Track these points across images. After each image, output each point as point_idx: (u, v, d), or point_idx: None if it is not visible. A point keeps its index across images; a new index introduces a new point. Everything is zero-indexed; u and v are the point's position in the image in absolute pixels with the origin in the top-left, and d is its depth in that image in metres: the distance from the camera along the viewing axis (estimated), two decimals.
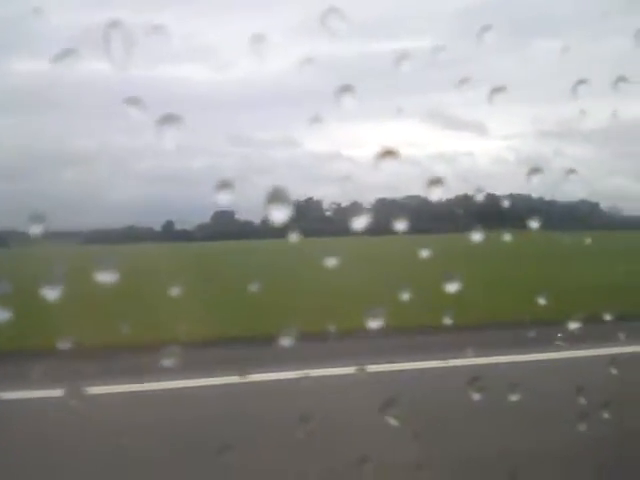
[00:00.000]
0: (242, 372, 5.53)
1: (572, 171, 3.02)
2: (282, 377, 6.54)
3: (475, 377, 3.72)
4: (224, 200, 2.40)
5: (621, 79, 3.15)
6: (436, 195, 2.56)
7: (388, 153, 2.40)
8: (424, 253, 2.74)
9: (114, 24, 2.08)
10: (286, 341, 3.00)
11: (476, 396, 3.65)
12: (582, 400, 3.86)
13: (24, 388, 5.78)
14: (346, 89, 2.45)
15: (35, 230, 2.43)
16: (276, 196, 2.28)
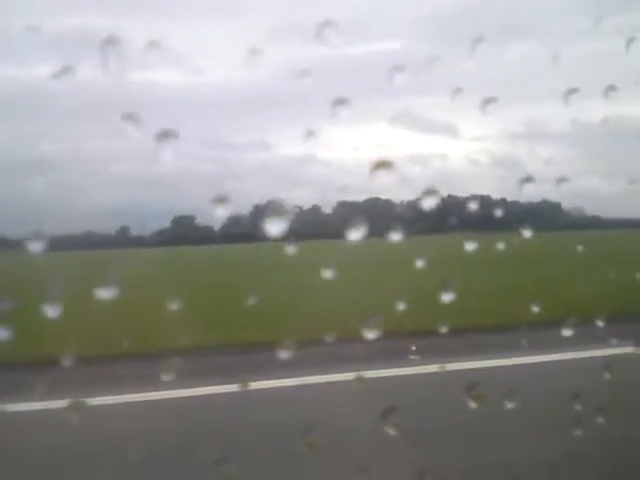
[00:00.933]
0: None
1: (563, 179, 3.05)
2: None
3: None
4: (221, 213, 2.35)
5: (611, 88, 3.19)
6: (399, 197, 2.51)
7: (383, 164, 2.34)
8: (379, 256, 2.70)
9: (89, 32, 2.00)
10: None
11: None
12: None
13: None
14: (340, 102, 2.39)
15: None
16: (273, 209, 2.24)
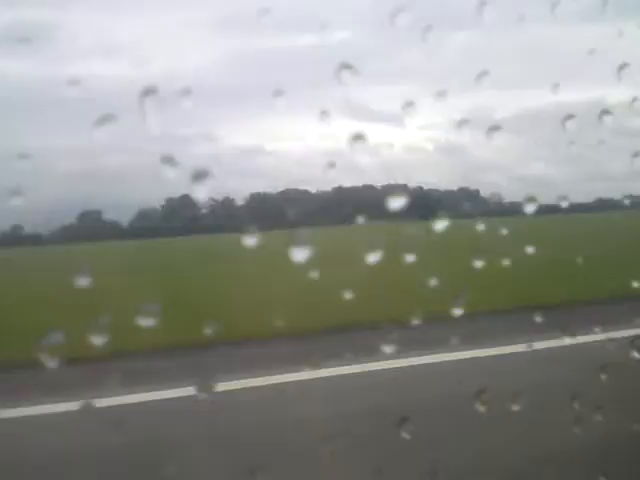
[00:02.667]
0: None
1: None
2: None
3: None
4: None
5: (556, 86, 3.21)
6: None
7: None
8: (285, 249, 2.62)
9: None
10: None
11: None
12: None
13: None
14: (278, 93, 2.43)
15: None
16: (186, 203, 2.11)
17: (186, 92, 2.31)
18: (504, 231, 4.31)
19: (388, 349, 3.85)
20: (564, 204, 3.49)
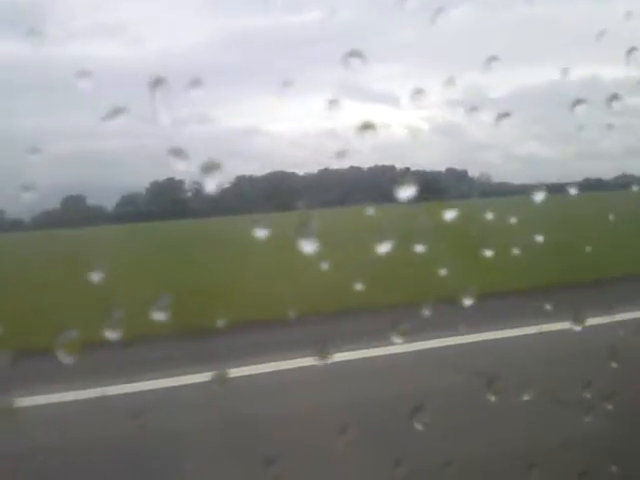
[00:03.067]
0: None
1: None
2: None
3: None
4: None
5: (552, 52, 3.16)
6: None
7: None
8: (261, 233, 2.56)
9: None
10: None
11: None
12: None
13: None
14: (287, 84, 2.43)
15: None
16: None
17: (196, 82, 2.26)
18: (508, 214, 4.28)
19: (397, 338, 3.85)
20: (572, 189, 3.46)
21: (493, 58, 2.83)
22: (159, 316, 2.54)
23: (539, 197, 2.99)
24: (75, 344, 2.43)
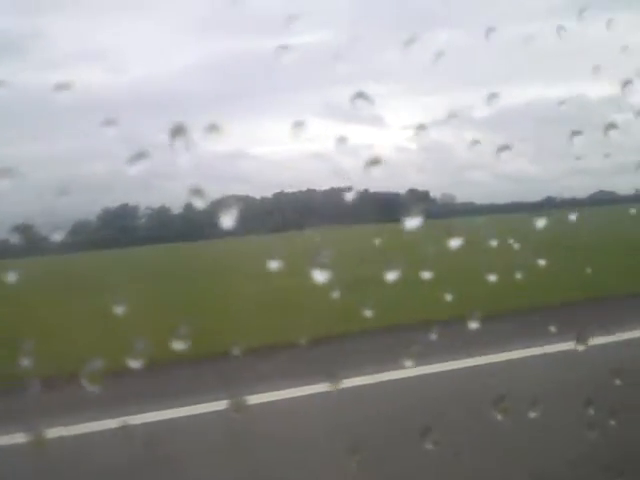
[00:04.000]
0: None
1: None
2: None
3: None
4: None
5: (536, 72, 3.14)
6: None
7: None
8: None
9: None
10: None
11: None
12: None
13: None
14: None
15: None
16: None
17: (164, 97, 2.26)
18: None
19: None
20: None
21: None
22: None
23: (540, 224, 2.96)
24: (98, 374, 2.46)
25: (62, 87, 2.33)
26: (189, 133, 2.19)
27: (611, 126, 3.12)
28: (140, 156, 2.28)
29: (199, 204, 2.36)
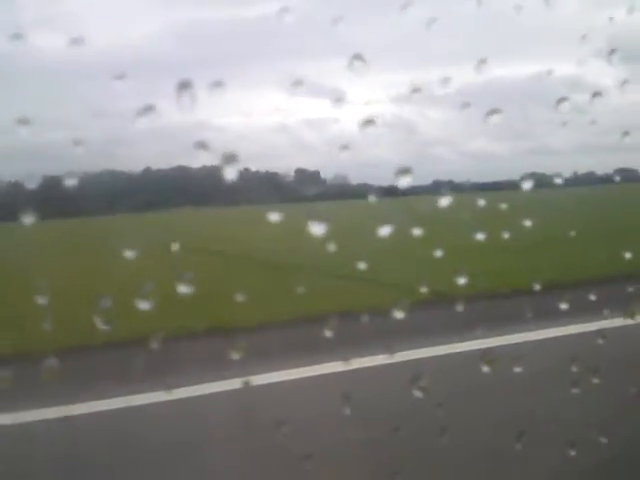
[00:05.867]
0: None
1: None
2: None
3: None
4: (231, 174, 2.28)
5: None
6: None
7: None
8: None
9: None
10: None
11: None
12: None
13: None
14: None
15: None
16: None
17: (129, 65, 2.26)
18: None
19: None
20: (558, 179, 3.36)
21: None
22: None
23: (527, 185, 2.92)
24: None
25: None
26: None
27: (562, 100, 2.95)
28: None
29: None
